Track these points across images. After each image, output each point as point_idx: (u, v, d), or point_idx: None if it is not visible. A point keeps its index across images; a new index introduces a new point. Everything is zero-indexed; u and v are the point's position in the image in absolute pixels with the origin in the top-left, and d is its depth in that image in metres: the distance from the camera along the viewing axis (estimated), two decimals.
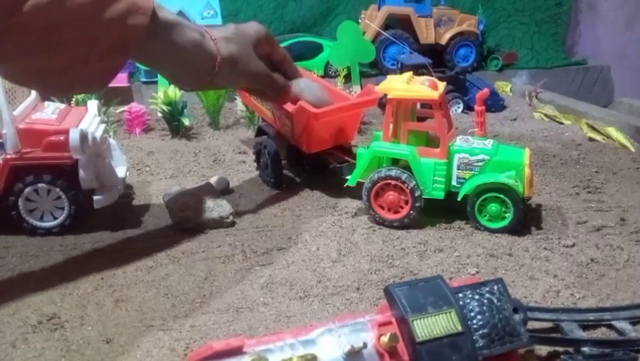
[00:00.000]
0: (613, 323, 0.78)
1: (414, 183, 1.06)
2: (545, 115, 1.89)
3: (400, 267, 0.94)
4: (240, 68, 0.98)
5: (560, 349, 0.72)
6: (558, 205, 1.20)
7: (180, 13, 2.05)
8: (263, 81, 1.06)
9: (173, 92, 1.61)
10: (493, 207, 1.05)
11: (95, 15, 0.78)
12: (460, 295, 0.56)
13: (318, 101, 1.17)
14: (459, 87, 1.91)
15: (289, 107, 1.21)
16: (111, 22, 0.79)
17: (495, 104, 1.93)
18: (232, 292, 0.87)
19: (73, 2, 0.76)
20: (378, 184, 1.08)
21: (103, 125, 1.13)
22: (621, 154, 1.54)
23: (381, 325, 0.53)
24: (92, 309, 0.82)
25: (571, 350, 0.71)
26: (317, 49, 2.19)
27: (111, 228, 1.07)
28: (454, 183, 1.09)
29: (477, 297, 0.56)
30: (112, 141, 1.19)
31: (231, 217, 1.08)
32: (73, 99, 1.52)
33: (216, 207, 1.07)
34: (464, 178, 1.07)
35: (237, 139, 1.61)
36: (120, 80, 1.98)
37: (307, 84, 1.20)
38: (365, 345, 0.51)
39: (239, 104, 1.76)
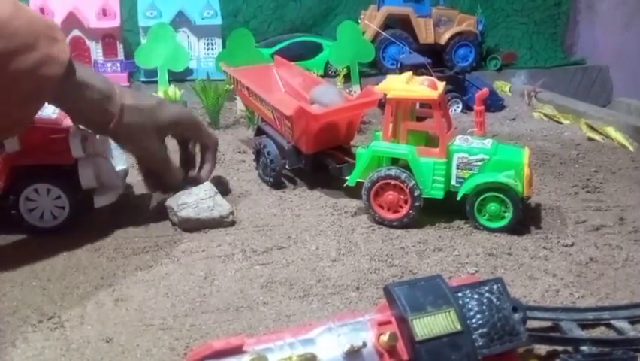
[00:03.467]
0: (612, 322, 0.78)
1: (413, 182, 1.06)
2: (544, 115, 1.89)
3: (400, 266, 0.94)
4: (134, 138, 1.04)
5: (559, 348, 0.72)
6: (557, 205, 1.20)
7: (180, 14, 2.06)
8: (155, 161, 1.10)
9: (173, 91, 1.61)
10: (493, 206, 1.06)
11: (6, 66, 0.81)
12: (460, 294, 0.56)
13: (334, 104, 1.20)
14: (458, 87, 1.91)
15: (289, 109, 1.21)
16: (25, 74, 0.83)
17: (494, 103, 1.93)
18: (232, 292, 0.87)
19: None
20: (378, 184, 1.08)
21: None
22: (620, 154, 1.54)
23: (381, 324, 0.53)
24: (92, 308, 0.82)
25: (570, 349, 0.72)
26: (316, 49, 2.19)
27: (111, 227, 1.07)
28: (453, 182, 1.09)
29: (476, 296, 0.56)
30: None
31: (231, 217, 1.08)
32: None
33: (216, 207, 1.07)
34: (463, 178, 1.08)
35: (237, 139, 1.61)
36: (120, 80, 1.99)
37: (322, 90, 1.22)
38: (364, 344, 0.51)
39: (239, 104, 1.76)
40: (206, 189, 1.11)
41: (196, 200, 1.07)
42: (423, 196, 1.07)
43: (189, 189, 1.11)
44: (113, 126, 0.99)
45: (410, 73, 1.17)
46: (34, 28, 0.85)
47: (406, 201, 1.08)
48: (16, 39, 0.82)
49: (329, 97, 1.28)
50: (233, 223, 1.08)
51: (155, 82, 1.90)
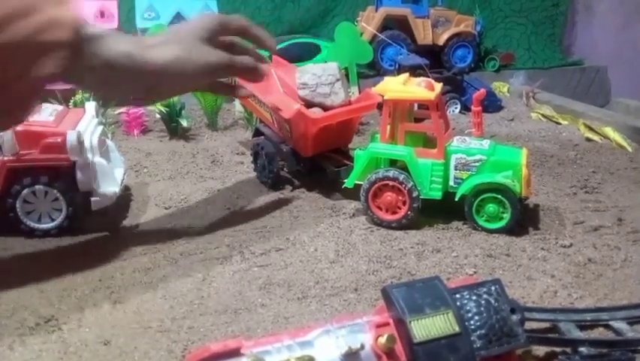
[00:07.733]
0: (610, 323, 0.78)
1: (411, 183, 1.06)
2: (542, 115, 1.89)
3: (398, 267, 0.94)
4: (189, 66, 0.85)
5: (558, 349, 0.72)
6: (555, 205, 1.20)
7: (178, 16, 2.05)
8: (223, 69, 0.91)
9: None
10: (491, 207, 1.05)
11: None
12: (458, 295, 0.56)
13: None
14: (456, 88, 1.91)
15: (287, 111, 1.21)
16: (21, 41, 0.67)
17: (492, 104, 1.93)
18: (230, 294, 0.87)
19: None
20: (376, 185, 1.08)
21: (101, 127, 1.13)
22: (618, 154, 1.54)
23: (379, 326, 0.53)
24: (90, 311, 0.82)
25: (568, 350, 0.72)
26: (315, 50, 2.19)
27: (109, 230, 1.07)
28: (451, 183, 1.09)
29: (474, 298, 0.56)
30: (110, 142, 1.19)
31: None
32: (71, 101, 1.52)
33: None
34: (462, 178, 1.08)
35: (235, 140, 1.61)
36: None
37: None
38: (362, 346, 0.51)
39: (237, 105, 1.76)
40: None
41: None
42: (421, 197, 1.07)
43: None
44: (156, 71, 0.80)
45: (407, 74, 1.17)
46: None
47: (404, 203, 1.08)
48: (10, 1, 0.66)
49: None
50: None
51: None
